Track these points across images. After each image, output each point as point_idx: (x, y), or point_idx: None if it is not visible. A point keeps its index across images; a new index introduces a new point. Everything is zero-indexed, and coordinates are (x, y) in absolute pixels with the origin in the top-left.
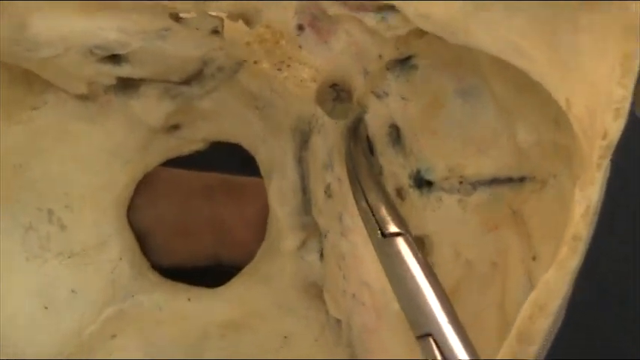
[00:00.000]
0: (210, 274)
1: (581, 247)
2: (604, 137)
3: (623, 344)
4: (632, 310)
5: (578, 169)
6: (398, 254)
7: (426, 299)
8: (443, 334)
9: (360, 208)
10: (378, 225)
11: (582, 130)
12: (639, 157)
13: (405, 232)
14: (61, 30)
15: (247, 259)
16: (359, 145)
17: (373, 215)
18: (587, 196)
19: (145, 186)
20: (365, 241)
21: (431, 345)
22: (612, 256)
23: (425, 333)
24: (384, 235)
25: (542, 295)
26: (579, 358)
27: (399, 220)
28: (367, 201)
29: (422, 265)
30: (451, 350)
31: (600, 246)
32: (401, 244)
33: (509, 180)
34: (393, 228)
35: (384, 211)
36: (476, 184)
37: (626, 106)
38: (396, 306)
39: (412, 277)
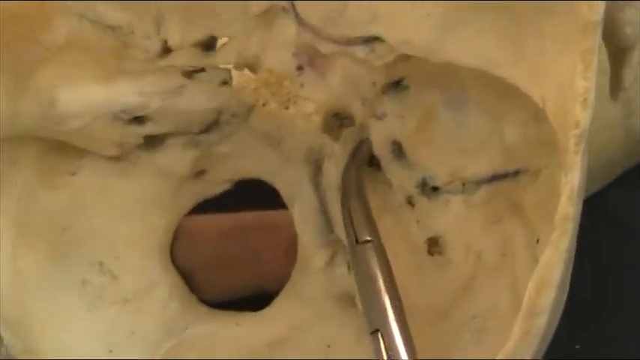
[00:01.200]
0: (253, 300)
1: (571, 226)
2: (576, 126)
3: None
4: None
5: (561, 157)
6: (365, 259)
7: (380, 298)
8: (389, 331)
9: (343, 216)
10: (354, 232)
11: (558, 123)
12: None
13: (376, 239)
14: (87, 101)
15: (284, 282)
16: (355, 161)
17: (351, 222)
18: (570, 181)
19: (183, 232)
20: (385, 246)
21: (378, 339)
22: None
23: (374, 329)
24: (357, 241)
25: (544, 273)
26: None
27: (373, 230)
28: (349, 209)
29: (383, 270)
30: (394, 345)
31: None
32: (370, 250)
33: (506, 175)
34: (366, 236)
35: (361, 220)
36: (477, 183)
37: (592, 96)
38: (421, 300)
39: (372, 279)
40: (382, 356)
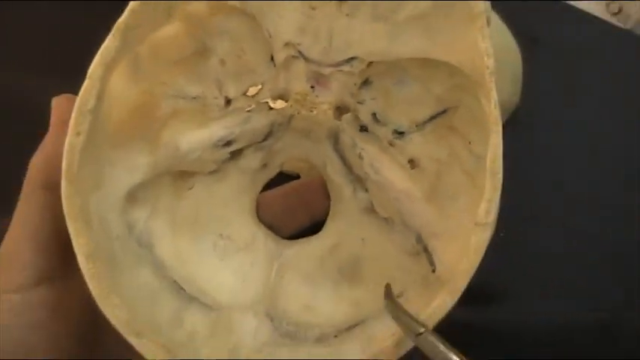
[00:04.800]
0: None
1: (499, 120)
2: (488, 68)
3: None
4: None
5: (478, 89)
6: (434, 345)
7: None
8: None
9: (394, 319)
10: (411, 330)
11: (473, 72)
12: None
13: (426, 329)
14: (197, 141)
15: (327, 213)
16: None
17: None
18: (492, 97)
19: (261, 202)
20: (388, 171)
21: None
22: None
23: None
24: (417, 335)
25: (494, 148)
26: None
27: (420, 323)
28: (399, 318)
29: (448, 347)
30: None
31: None
32: (431, 337)
33: (439, 113)
34: (420, 329)
35: (409, 321)
36: (424, 123)
37: (491, 50)
38: (418, 192)
39: (444, 354)
40: None
